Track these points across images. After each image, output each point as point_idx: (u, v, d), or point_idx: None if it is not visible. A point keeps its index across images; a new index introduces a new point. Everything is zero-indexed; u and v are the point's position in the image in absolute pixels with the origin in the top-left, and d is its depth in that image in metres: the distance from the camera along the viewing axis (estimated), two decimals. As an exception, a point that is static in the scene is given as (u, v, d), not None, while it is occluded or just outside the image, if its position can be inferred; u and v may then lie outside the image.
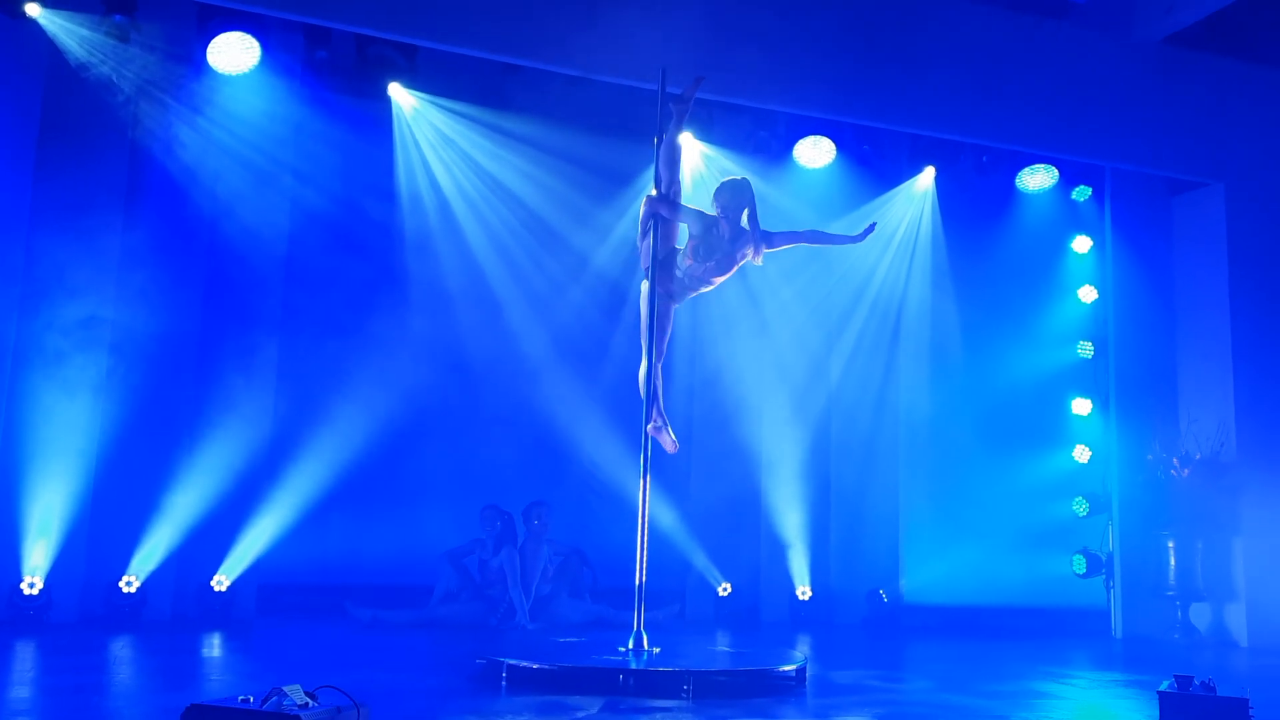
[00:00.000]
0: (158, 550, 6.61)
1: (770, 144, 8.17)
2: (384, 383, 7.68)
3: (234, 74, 6.94)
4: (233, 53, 6.86)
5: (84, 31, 6.56)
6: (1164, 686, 4.07)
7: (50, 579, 6.30)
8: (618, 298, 8.08)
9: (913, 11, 7.67)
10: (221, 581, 6.77)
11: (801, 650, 6.39)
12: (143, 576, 6.54)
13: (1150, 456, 8.29)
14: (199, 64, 6.88)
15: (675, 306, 5.38)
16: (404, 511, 7.55)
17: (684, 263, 5.29)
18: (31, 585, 6.23)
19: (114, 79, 6.67)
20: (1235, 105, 8.45)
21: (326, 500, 7.32)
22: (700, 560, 8.01)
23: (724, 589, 7.95)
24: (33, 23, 6.49)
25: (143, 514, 6.61)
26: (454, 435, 7.78)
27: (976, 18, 7.87)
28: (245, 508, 6.89)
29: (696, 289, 5.36)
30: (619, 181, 8.00)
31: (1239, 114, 8.45)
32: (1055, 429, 8.69)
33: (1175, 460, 8.13)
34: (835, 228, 8.36)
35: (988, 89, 7.75)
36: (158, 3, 6.55)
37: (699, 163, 8.21)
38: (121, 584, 6.49)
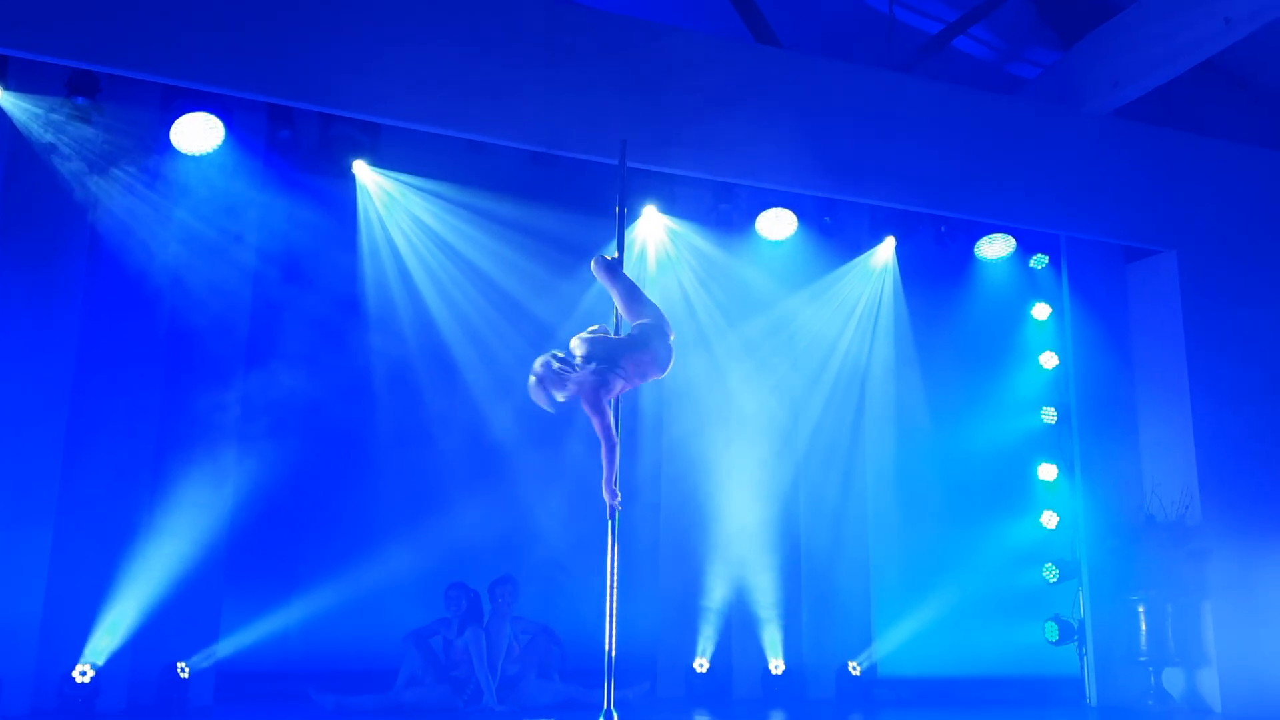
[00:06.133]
0: (113, 638, 6.42)
1: (732, 216, 8.26)
2: (347, 462, 7.59)
3: (197, 154, 6.92)
4: (196, 133, 6.85)
5: (46, 114, 6.55)
6: (1141, 756, 4.04)
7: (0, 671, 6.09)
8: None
9: (869, 87, 7.85)
10: (184, 669, 6.57)
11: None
12: (97, 666, 6.34)
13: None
14: (162, 144, 6.87)
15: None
16: (367, 594, 7.38)
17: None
18: (-20, 679, 6.02)
19: (76, 160, 6.65)
20: (1184, 175, 8.67)
21: (287, 585, 7.18)
22: (670, 636, 7.89)
23: (700, 664, 7.82)
24: (-7, 105, 6.50)
25: (97, 603, 6.43)
26: (418, 514, 7.66)
27: (932, 94, 8.06)
28: (204, 594, 6.71)
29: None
30: (581, 254, 8.04)
31: (1188, 183, 8.66)
32: (1022, 495, 8.71)
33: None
34: (799, 299, 8.54)
35: (945, 161, 7.91)
36: (120, 84, 6.56)
37: (663, 236, 8.29)
38: (75, 674, 6.29)
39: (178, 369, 6.93)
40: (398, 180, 7.70)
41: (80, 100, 6.50)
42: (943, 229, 8.66)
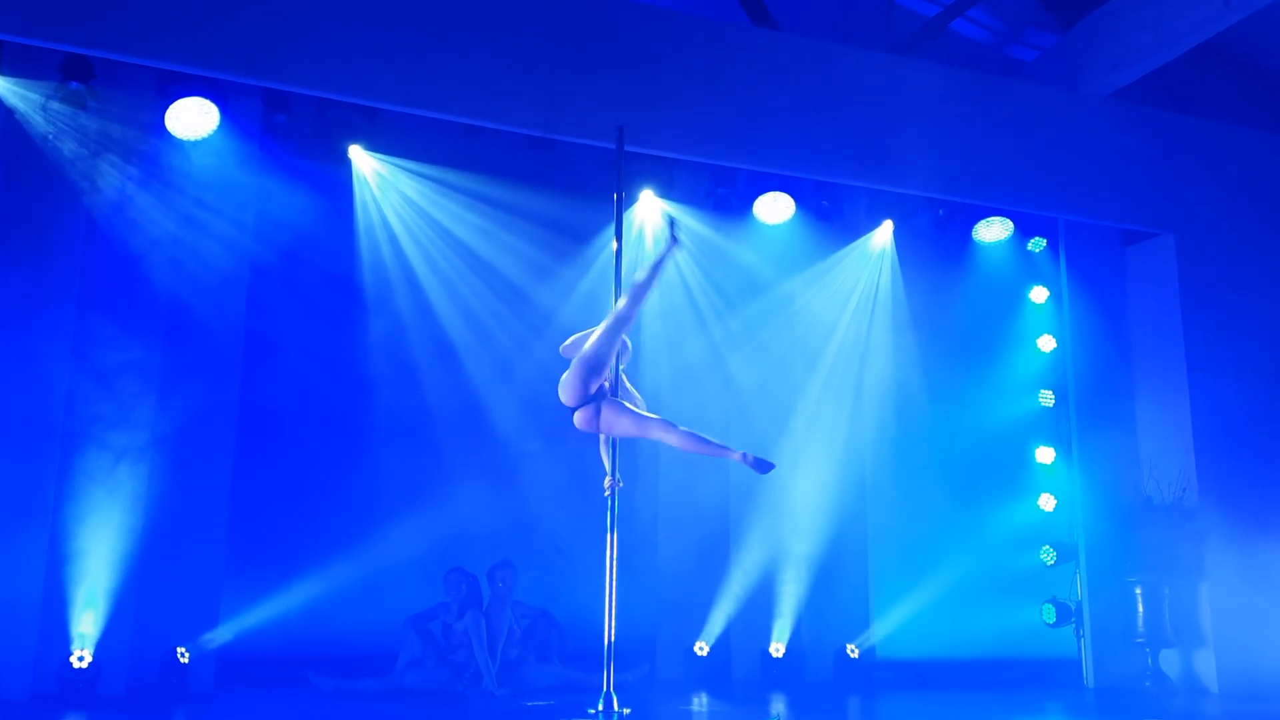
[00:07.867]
0: (112, 623, 6.42)
1: (730, 200, 8.24)
2: (346, 447, 7.58)
3: (193, 139, 6.89)
4: (191, 118, 6.81)
5: (40, 99, 6.51)
6: (1138, 736, 4.06)
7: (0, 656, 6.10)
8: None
9: (867, 70, 7.83)
10: (184, 654, 6.58)
11: (776, 709, 6.31)
12: (96, 651, 6.34)
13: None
14: (157, 129, 6.83)
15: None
16: (367, 578, 7.40)
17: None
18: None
19: (70, 146, 6.62)
20: (1182, 158, 8.65)
21: (287, 569, 7.19)
22: (670, 620, 7.91)
23: (700, 648, 7.83)
24: (-13, 91, 6.46)
25: (96, 589, 6.42)
26: (417, 498, 7.67)
27: (930, 77, 8.04)
28: (204, 578, 6.72)
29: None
30: (580, 238, 8.05)
31: (1186, 166, 8.65)
32: (1020, 478, 8.73)
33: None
34: (797, 282, 8.53)
35: (943, 145, 7.88)
36: (115, 69, 6.53)
37: (661, 220, 8.26)
38: (74, 659, 6.30)
39: (174, 353, 6.89)
40: (394, 165, 7.67)
41: (75, 85, 6.46)
42: (941, 212, 8.65)
